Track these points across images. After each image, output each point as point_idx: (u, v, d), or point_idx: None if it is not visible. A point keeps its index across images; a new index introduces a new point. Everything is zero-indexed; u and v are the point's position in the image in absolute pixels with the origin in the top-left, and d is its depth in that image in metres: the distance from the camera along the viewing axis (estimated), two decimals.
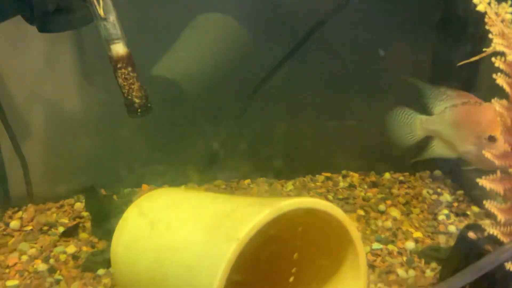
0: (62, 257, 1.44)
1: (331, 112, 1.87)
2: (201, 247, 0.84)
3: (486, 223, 1.24)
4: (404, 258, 1.42)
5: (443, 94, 1.32)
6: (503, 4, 0.90)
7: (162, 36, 1.72)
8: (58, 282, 1.33)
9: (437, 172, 1.86)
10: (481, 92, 1.37)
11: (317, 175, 1.88)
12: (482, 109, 1.22)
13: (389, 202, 1.69)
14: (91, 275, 1.36)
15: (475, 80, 1.68)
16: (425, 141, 1.42)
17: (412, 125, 1.42)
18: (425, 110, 1.38)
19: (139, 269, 0.96)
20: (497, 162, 0.94)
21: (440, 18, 1.73)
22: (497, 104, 0.90)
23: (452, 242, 1.46)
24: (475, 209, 1.63)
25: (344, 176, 1.87)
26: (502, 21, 0.86)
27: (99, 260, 1.40)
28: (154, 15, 1.69)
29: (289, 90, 1.83)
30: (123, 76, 1.29)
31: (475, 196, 1.67)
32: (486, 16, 0.86)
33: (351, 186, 1.81)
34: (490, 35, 0.86)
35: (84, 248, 1.48)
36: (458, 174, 1.78)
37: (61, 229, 1.56)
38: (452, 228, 1.54)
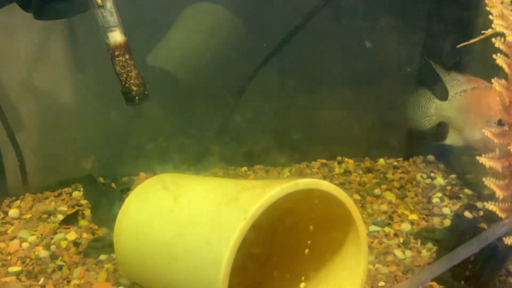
0: (63, 244, 1.44)
1: (325, 101, 1.90)
2: (218, 221, 0.86)
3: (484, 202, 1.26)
4: (401, 240, 1.46)
5: (454, 79, 1.30)
6: None
7: (155, 25, 1.72)
8: (60, 267, 1.34)
9: (430, 157, 1.91)
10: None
11: (312, 162, 1.91)
12: (492, 94, 1.18)
13: (384, 186, 1.73)
14: (93, 260, 1.37)
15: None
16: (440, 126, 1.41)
17: (428, 109, 1.41)
18: (442, 95, 1.37)
19: (157, 244, 0.97)
20: (495, 141, 0.97)
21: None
22: (496, 84, 0.94)
23: (446, 224, 1.51)
24: (468, 191, 1.68)
25: (339, 162, 1.90)
26: (502, 2, 0.89)
27: (101, 246, 1.41)
28: (148, 4, 1.70)
29: (283, 79, 1.85)
30: (120, 63, 1.29)
31: (468, 180, 1.72)
32: None
33: (347, 171, 1.84)
34: (490, 16, 0.89)
35: (85, 235, 1.48)
36: (451, 159, 1.82)
37: (60, 217, 1.56)
38: (446, 210, 1.58)
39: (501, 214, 0.98)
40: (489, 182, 1.00)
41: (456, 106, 1.31)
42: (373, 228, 1.52)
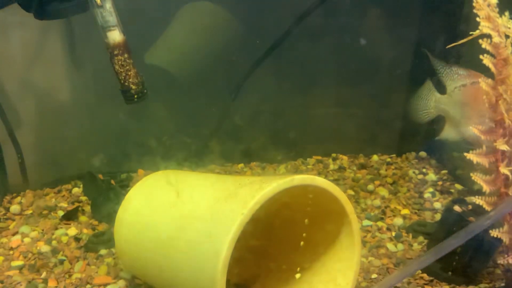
0: (64, 239, 1.47)
1: (320, 99, 1.93)
2: (218, 216, 0.90)
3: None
4: (393, 233, 1.50)
5: (455, 73, 1.29)
6: None
7: (153, 24, 1.75)
8: (61, 262, 1.37)
9: (422, 154, 1.95)
10: None
11: (308, 159, 1.95)
12: None
13: (377, 182, 1.77)
14: (94, 255, 1.40)
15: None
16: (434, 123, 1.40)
17: (429, 102, 1.39)
18: (441, 88, 1.35)
19: (159, 237, 1.01)
20: (482, 137, 1.02)
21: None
22: (483, 83, 0.98)
23: (437, 218, 1.56)
24: (459, 187, 1.73)
25: (334, 159, 1.95)
26: (489, 5, 0.93)
27: (101, 241, 1.44)
28: (146, 4, 1.72)
29: (279, 77, 1.88)
30: (119, 62, 1.32)
31: (459, 175, 1.76)
32: (474, 0, 0.93)
33: (341, 168, 1.88)
34: (477, 18, 0.93)
35: (85, 230, 1.52)
36: (443, 155, 1.87)
37: (60, 213, 1.59)
38: (437, 205, 1.63)
39: (488, 208, 1.02)
40: (477, 177, 1.04)
41: (455, 100, 1.31)
42: (366, 222, 1.56)
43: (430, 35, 1.78)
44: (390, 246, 1.45)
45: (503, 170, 1.01)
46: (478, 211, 1.27)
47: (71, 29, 1.72)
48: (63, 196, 1.71)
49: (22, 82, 1.73)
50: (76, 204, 1.65)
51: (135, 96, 1.36)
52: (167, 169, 1.26)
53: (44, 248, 1.42)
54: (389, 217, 1.59)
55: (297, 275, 1.16)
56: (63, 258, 1.39)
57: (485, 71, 0.97)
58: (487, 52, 0.95)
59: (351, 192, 1.72)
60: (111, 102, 1.62)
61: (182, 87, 1.84)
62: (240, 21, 1.81)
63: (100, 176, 1.73)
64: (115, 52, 1.31)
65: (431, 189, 1.72)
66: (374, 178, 1.80)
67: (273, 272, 1.19)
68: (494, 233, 1.04)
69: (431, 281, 1.28)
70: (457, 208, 1.24)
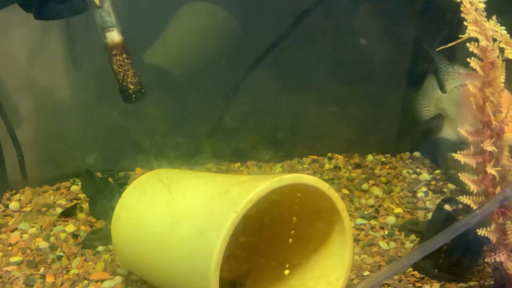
0: (62, 236, 1.50)
1: (316, 99, 1.95)
2: (211, 213, 0.93)
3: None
4: (386, 232, 1.53)
5: (456, 72, 1.28)
6: None
7: (152, 24, 1.77)
8: (59, 258, 1.40)
9: (417, 154, 1.97)
10: None
11: (304, 158, 1.97)
12: None
13: (371, 181, 1.80)
14: (91, 251, 1.43)
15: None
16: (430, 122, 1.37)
17: (431, 99, 1.37)
18: (442, 86, 1.33)
19: (153, 233, 1.04)
20: (470, 138, 1.04)
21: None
22: (470, 86, 1.00)
23: (430, 217, 1.58)
24: (451, 186, 1.75)
25: (329, 159, 1.97)
26: (476, 9, 0.95)
27: (99, 238, 1.47)
28: (145, 4, 1.74)
29: (275, 77, 1.90)
30: (118, 62, 1.35)
31: (452, 175, 1.79)
32: (462, 5, 0.95)
33: (336, 167, 1.91)
34: (465, 23, 0.95)
35: (83, 227, 1.54)
36: (436, 155, 1.89)
37: (59, 210, 1.62)
38: (430, 204, 1.65)
39: (475, 207, 1.05)
40: (464, 177, 1.07)
41: (454, 99, 1.30)
42: (360, 221, 1.58)
43: (427, 35, 1.81)
44: (383, 244, 1.47)
45: (490, 170, 1.03)
46: (468, 210, 1.29)
47: (71, 29, 1.74)
48: (62, 193, 1.73)
49: (22, 80, 1.75)
50: (75, 202, 1.67)
51: (133, 96, 1.38)
52: (163, 168, 1.29)
53: (43, 244, 1.45)
54: (382, 215, 1.61)
55: (286, 272, 1.18)
56: (61, 254, 1.41)
57: None
58: (475, 55, 0.97)
59: (345, 191, 1.74)
60: (110, 101, 1.64)
61: (182, 86, 1.86)
62: (239, 21, 1.83)
63: (98, 174, 1.75)
64: (114, 52, 1.33)
65: (424, 189, 1.74)
66: (368, 178, 1.82)
67: (265, 268, 1.21)
68: (481, 231, 1.06)
69: (422, 278, 1.31)
70: (447, 207, 1.26)
